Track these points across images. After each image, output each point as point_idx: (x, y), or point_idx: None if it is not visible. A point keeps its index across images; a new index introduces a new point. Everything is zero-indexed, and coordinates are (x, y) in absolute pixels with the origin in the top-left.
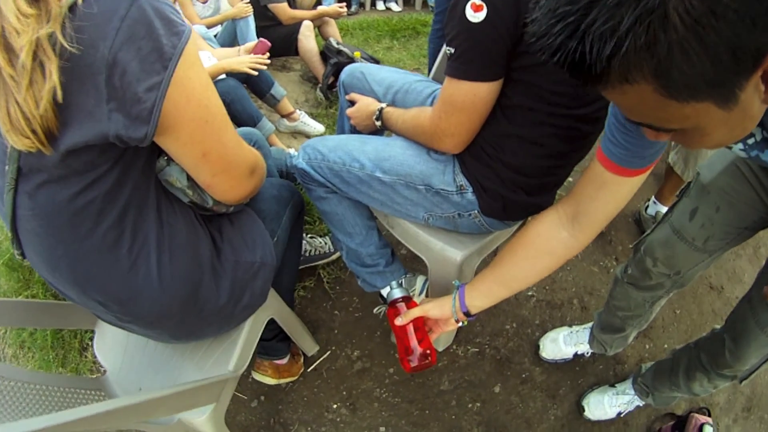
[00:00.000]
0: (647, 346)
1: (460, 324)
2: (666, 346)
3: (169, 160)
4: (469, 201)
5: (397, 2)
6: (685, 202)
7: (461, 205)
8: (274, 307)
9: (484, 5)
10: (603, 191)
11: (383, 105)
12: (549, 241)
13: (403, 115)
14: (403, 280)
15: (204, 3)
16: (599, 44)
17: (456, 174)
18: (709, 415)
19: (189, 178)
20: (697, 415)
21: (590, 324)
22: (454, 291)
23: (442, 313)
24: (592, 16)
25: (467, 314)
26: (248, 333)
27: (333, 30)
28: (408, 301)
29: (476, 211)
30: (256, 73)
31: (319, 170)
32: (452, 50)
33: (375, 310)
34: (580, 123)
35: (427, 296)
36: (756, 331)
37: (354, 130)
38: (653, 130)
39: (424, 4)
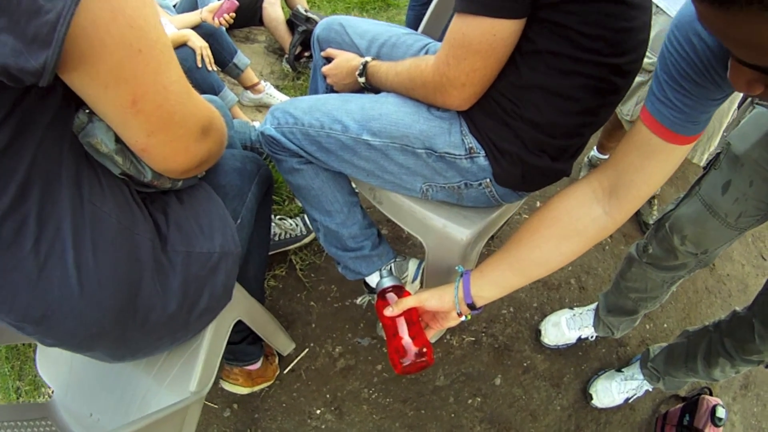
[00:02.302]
0: (648, 326)
1: (463, 318)
2: (666, 325)
3: (91, 114)
4: (480, 167)
5: None
6: (715, 174)
7: (470, 173)
8: (241, 307)
9: None
10: (651, 160)
11: (367, 58)
12: (580, 220)
13: (395, 67)
14: (393, 266)
15: None
16: None
17: (464, 134)
18: (711, 394)
19: (119, 139)
20: (708, 397)
21: (593, 306)
22: (456, 278)
23: (442, 305)
24: None
25: (471, 306)
26: (211, 342)
27: None
28: (400, 290)
29: (488, 180)
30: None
31: (291, 136)
32: None
33: (358, 301)
34: (613, 75)
35: (422, 284)
36: None
37: (330, 92)
38: (748, 79)
39: None
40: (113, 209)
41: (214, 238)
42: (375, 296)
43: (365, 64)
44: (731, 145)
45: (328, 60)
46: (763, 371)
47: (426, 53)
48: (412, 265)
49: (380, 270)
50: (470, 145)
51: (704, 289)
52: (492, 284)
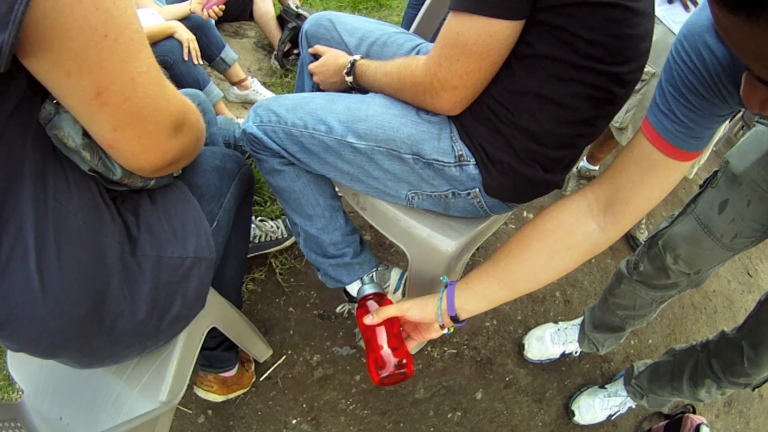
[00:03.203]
0: (632, 342)
1: (446, 331)
2: (651, 341)
3: (58, 106)
4: (469, 176)
5: None
6: (712, 193)
7: (459, 181)
8: (215, 314)
9: None
10: (650, 176)
11: (356, 57)
12: (573, 234)
13: (385, 67)
14: (375, 274)
15: None
16: None
17: (454, 141)
18: (694, 412)
19: (87, 133)
20: (692, 416)
21: (578, 320)
22: (440, 289)
23: (424, 316)
24: None
25: (455, 319)
26: (182, 351)
27: None
28: (381, 298)
29: (477, 190)
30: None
31: (273, 135)
32: None
33: (338, 309)
34: (613, 84)
35: (404, 295)
36: None
37: (317, 90)
38: (762, 97)
39: None
40: (79, 209)
41: (187, 242)
42: (355, 305)
43: (353, 63)
44: (730, 164)
45: (316, 57)
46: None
47: (417, 53)
48: (395, 274)
49: (362, 278)
50: (460, 153)
51: (690, 305)
52: (477, 297)
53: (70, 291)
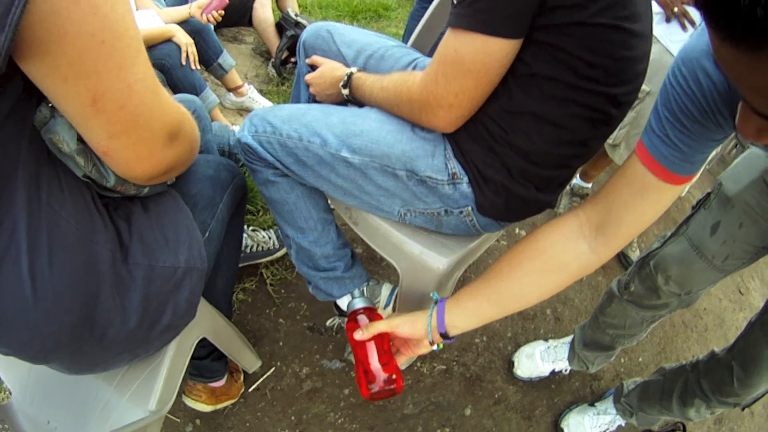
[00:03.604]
0: (622, 360)
1: (435, 347)
2: (641, 359)
3: (54, 109)
4: (462, 194)
5: None
6: (705, 214)
7: (452, 199)
8: (206, 324)
9: None
10: (642, 198)
11: (353, 69)
12: (563, 254)
13: (381, 81)
14: (365, 288)
15: None
16: None
17: (448, 158)
18: (684, 430)
19: (82, 139)
20: None
21: (568, 338)
22: (431, 306)
23: (414, 332)
24: None
25: (444, 336)
26: (172, 360)
27: (292, 2)
28: (372, 313)
29: (470, 208)
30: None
31: (268, 146)
32: None
33: (328, 323)
34: (609, 105)
35: (394, 310)
36: None
37: (313, 101)
38: (759, 126)
39: None
40: (72, 215)
41: (179, 251)
42: (345, 319)
43: (350, 76)
44: (723, 186)
45: (313, 68)
46: None
47: (414, 68)
48: (386, 290)
49: (353, 292)
50: (454, 171)
51: (681, 323)
52: (467, 315)
53: (62, 297)
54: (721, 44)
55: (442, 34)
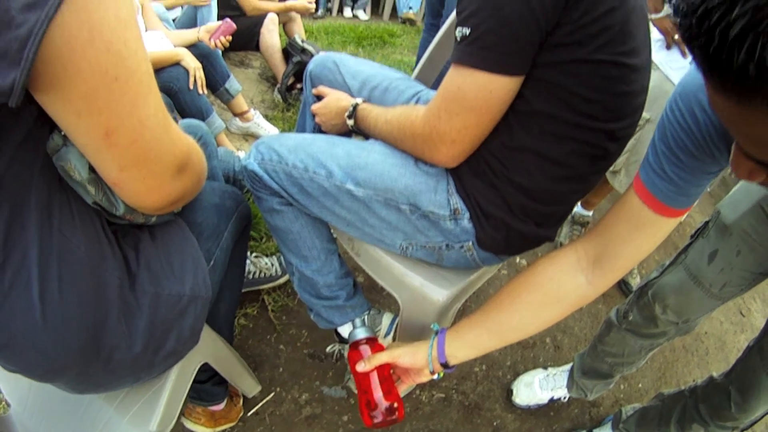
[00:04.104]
0: (622, 387)
1: (436, 376)
2: (641, 385)
3: (66, 138)
4: (463, 229)
5: (364, 10)
6: (703, 243)
7: (453, 234)
8: (208, 350)
9: None
10: (639, 232)
11: (358, 100)
12: (561, 287)
13: (385, 114)
14: (366, 318)
15: None
16: None
17: (450, 194)
18: None
19: (93, 168)
20: None
21: (567, 366)
22: (431, 336)
23: (415, 362)
24: None
25: (445, 365)
26: (174, 384)
27: (298, 28)
28: (373, 343)
29: (471, 243)
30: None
31: (274, 175)
32: (467, 30)
33: (328, 349)
34: (607, 140)
35: (394, 339)
36: (767, 383)
37: (318, 131)
38: (751, 167)
39: (392, 14)
40: (83, 242)
41: (184, 280)
42: (345, 346)
43: (355, 107)
44: (721, 214)
45: (319, 98)
46: None
47: (417, 101)
48: (386, 319)
49: (354, 321)
50: (455, 206)
51: (681, 347)
52: (467, 346)
53: (71, 322)
54: (714, 92)
55: (447, 67)
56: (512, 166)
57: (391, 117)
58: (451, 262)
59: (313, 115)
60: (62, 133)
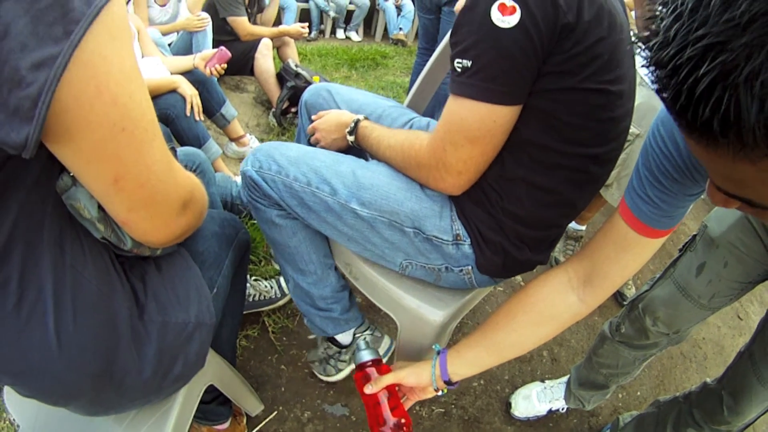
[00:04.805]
0: (620, 395)
1: (440, 392)
2: (639, 393)
3: (75, 179)
4: (464, 254)
5: (357, 32)
6: (690, 256)
7: (454, 258)
8: (213, 372)
9: (517, 6)
10: (625, 253)
11: (360, 117)
12: (555, 306)
13: (388, 138)
14: (369, 338)
15: (162, 6)
16: (763, 106)
17: (453, 220)
18: None
19: (102, 207)
20: None
21: (564, 378)
22: (433, 356)
23: (419, 381)
24: (756, 62)
25: (448, 382)
26: (182, 406)
27: (292, 52)
28: (379, 364)
29: (470, 267)
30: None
31: (272, 185)
32: (468, 63)
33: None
34: (593, 165)
35: (393, 356)
36: (757, 387)
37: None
38: (725, 197)
39: (384, 35)
40: (94, 275)
41: (189, 308)
42: (333, 349)
43: (357, 122)
44: (708, 228)
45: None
46: None
47: (411, 128)
48: (385, 343)
49: (354, 335)
50: (457, 232)
51: (679, 354)
52: (468, 364)
53: (85, 350)
54: (689, 138)
55: (439, 94)
56: (506, 195)
57: (395, 143)
58: (449, 283)
59: (309, 142)
60: (71, 174)
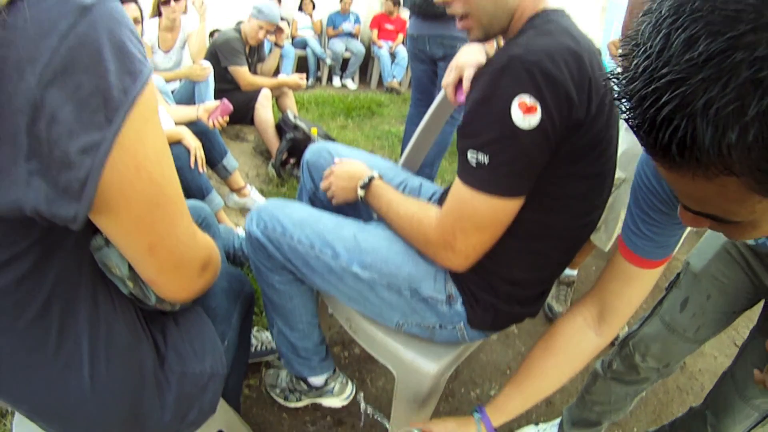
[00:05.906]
0: None
1: None
2: (635, 430)
3: (107, 240)
4: (456, 312)
5: (353, 79)
6: (676, 293)
7: (446, 316)
8: (222, 419)
9: (538, 106)
10: (629, 286)
11: (375, 173)
12: (579, 345)
13: (398, 206)
14: (338, 385)
15: (166, 52)
16: (717, 130)
17: (447, 281)
18: None
19: (131, 266)
20: None
21: (557, 420)
22: (475, 417)
23: None
24: (712, 93)
25: None
26: None
27: (290, 102)
28: None
29: (462, 324)
30: (217, 127)
31: (278, 245)
32: (485, 158)
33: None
34: (583, 231)
35: (390, 407)
36: (740, 404)
37: (317, 204)
38: (693, 216)
39: (379, 82)
40: (123, 327)
41: (205, 360)
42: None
43: (371, 179)
44: (690, 265)
45: (316, 185)
46: None
47: (404, 189)
48: (349, 389)
49: (326, 380)
50: (450, 292)
51: (675, 388)
52: (507, 415)
53: (115, 395)
54: (655, 161)
55: (434, 153)
56: (499, 262)
57: (404, 213)
58: (443, 338)
59: (311, 202)
60: (104, 235)
